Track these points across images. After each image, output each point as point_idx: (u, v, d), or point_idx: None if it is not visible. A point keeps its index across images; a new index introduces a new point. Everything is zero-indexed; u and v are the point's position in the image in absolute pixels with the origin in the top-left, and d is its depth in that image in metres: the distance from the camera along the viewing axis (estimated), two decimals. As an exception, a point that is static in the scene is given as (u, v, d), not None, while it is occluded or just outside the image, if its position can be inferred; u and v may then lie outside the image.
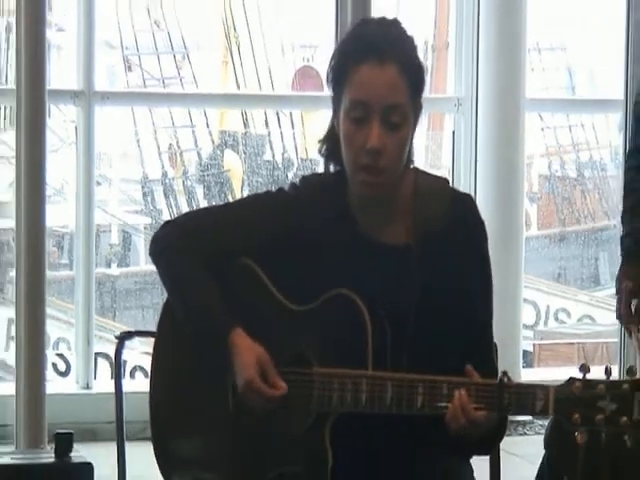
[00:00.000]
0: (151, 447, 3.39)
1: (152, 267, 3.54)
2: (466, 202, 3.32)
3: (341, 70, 3.18)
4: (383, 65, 3.11)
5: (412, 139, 3.21)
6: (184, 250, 3.27)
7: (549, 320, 9.69)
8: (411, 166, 3.27)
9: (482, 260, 3.29)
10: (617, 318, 4.08)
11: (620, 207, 4.16)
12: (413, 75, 3.14)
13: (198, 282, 3.24)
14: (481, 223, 3.28)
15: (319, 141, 3.26)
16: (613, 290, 4.10)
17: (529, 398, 2.99)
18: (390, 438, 3.12)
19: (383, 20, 3.28)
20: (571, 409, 2.93)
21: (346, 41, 3.27)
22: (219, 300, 3.20)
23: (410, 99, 3.14)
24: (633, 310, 4.00)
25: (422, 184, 3.29)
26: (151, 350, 3.43)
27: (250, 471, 3.25)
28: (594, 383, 2.93)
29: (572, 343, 9.23)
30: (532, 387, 3.00)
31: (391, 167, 3.15)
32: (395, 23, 3.24)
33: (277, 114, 9.60)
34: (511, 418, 3.23)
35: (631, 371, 2.95)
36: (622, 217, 4.11)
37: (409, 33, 3.22)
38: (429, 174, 3.36)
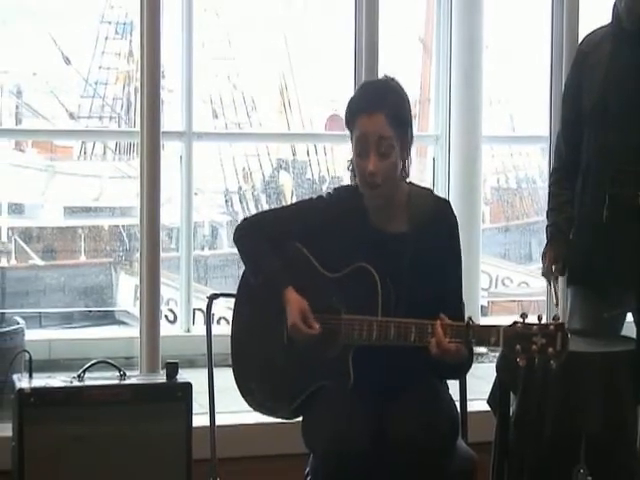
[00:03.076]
0: (230, 371, 3.39)
1: (232, 250, 3.57)
2: (445, 204, 3.39)
3: (349, 120, 3.24)
4: (372, 115, 3.14)
5: (404, 163, 3.23)
6: (255, 236, 3.32)
7: (498, 285, 9.67)
8: (407, 180, 3.30)
9: (455, 244, 3.34)
10: (542, 274, 4.09)
11: (545, 208, 4.12)
12: (395, 120, 3.15)
13: (265, 257, 3.29)
14: (455, 219, 3.34)
15: (348, 160, 3.29)
16: (540, 264, 4.09)
17: (486, 334, 3.02)
18: (394, 363, 3.13)
19: (378, 81, 3.40)
20: (515, 342, 2.97)
21: (351, 99, 3.29)
22: (278, 269, 3.26)
23: (395, 135, 3.15)
24: (552, 270, 3.99)
25: (414, 191, 3.33)
26: (232, 306, 3.49)
27: (296, 384, 3.27)
28: (530, 325, 2.98)
29: (514, 300, 9.24)
30: (488, 327, 3.04)
31: (385, 183, 3.18)
32: (386, 82, 3.28)
33: (315, 147, 9.56)
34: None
35: (555, 318, 3.01)
36: (547, 214, 4.11)
37: (398, 89, 3.24)
38: (419, 185, 3.40)
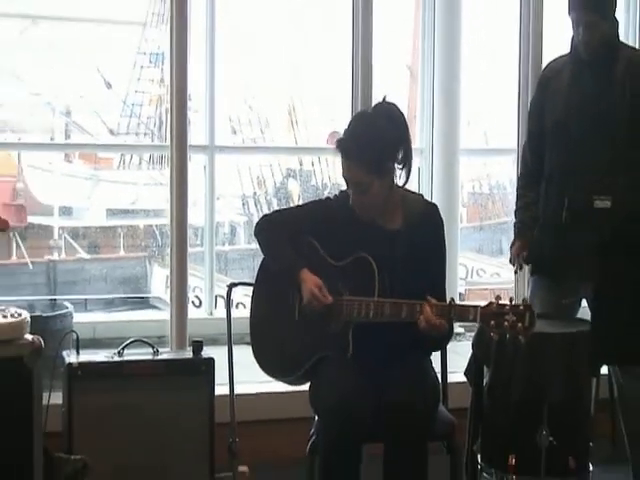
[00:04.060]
0: (248, 348, 3.38)
1: (248, 245, 3.57)
2: (433, 207, 3.39)
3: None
4: (350, 163, 3.16)
5: (389, 184, 3.22)
6: (273, 230, 3.32)
7: (473, 275, 9.64)
8: (401, 185, 3.28)
9: (441, 240, 3.34)
10: (509, 261, 4.08)
11: (513, 209, 4.10)
12: (372, 165, 3.13)
13: (282, 247, 3.28)
14: (441, 220, 3.36)
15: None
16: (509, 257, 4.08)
17: (466, 312, 3.05)
18: (387, 339, 3.13)
19: (367, 121, 3.28)
20: (490, 319, 3.00)
21: (340, 138, 3.24)
22: (294, 256, 3.25)
23: (372, 176, 3.14)
24: (518, 257, 4.00)
25: (408, 195, 3.35)
26: (248, 293, 3.48)
27: (304, 353, 3.26)
28: (503, 305, 2.99)
29: (487, 289, 9.19)
30: (467, 306, 3.06)
31: (370, 203, 3.21)
32: (370, 118, 3.25)
33: (318, 158, 9.54)
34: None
35: (524, 300, 3.04)
36: (514, 213, 4.09)
37: (385, 125, 3.17)
38: (411, 190, 3.42)
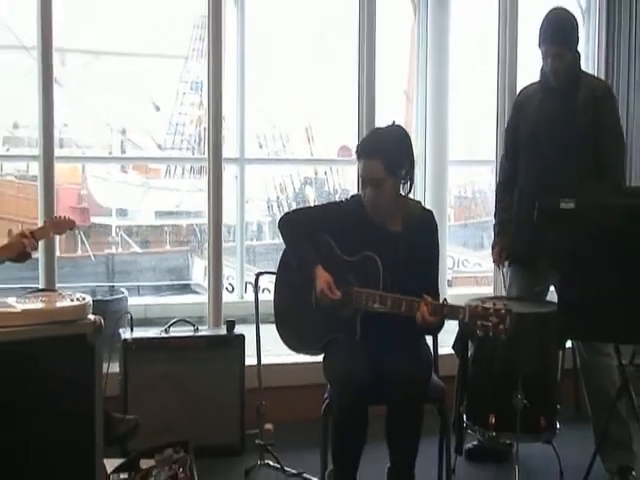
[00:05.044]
0: (272, 326, 3.37)
1: (272, 241, 3.55)
2: (430, 213, 3.31)
3: (357, 156, 3.17)
4: (370, 160, 3.10)
5: (401, 186, 3.18)
6: (293, 226, 3.25)
7: (459, 265, 9.61)
8: (404, 194, 3.23)
9: (435, 242, 3.28)
10: (493, 261, 4.04)
11: (492, 211, 4.07)
12: (389, 165, 3.09)
13: (301, 243, 3.22)
14: (436, 224, 3.30)
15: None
16: (489, 250, 4.05)
17: (456, 312, 2.96)
18: (390, 324, 3.06)
19: (383, 130, 3.23)
20: (476, 319, 2.91)
21: (360, 142, 3.24)
22: (312, 252, 3.19)
23: (387, 175, 3.10)
24: (500, 258, 3.94)
25: (408, 203, 3.28)
26: (273, 280, 3.43)
27: (318, 334, 3.22)
28: (487, 307, 2.91)
29: (470, 276, 9.17)
30: (457, 306, 2.97)
31: (380, 204, 3.15)
32: (389, 131, 3.20)
33: (330, 168, 9.56)
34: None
35: (506, 305, 2.94)
36: (494, 214, 4.06)
37: (397, 137, 3.16)
38: (412, 198, 3.34)
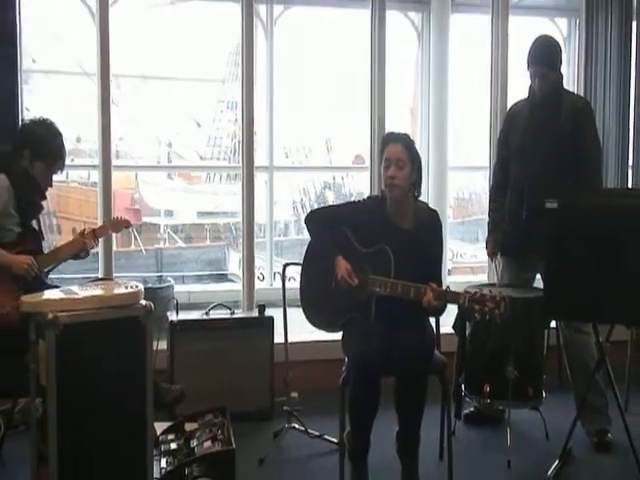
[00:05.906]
0: (298, 310, 3.35)
1: (297, 237, 3.53)
2: (435, 213, 3.27)
3: (382, 145, 3.19)
4: (395, 144, 3.12)
5: (414, 178, 3.16)
6: (317, 223, 3.22)
7: (458, 257, 9.55)
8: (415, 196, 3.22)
9: (440, 239, 3.24)
10: (487, 255, 3.98)
11: (486, 210, 4.04)
12: (409, 149, 3.13)
13: (324, 236, 3.21)
14: (440, 223, 3.27)
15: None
16: (483, 244, 4.01)
17: (458, 298, 2.93)
18: (400, 307, 3.03)
19: (394, 133, 3.23)
20: (475, 304, 2.88)
21: (384, 136, 3.26)
22: (333, 243, 3.18)
23: (408, 158, 3.12)
24: (493, 251, 3.91)
25: (417, 203, 3.25)
26: (299, 271, 3.41)
27: (338, 313, 3.20)
28: (485, 294, 2.89)
29: (467, 266, 9.10)
30: (458, 293, 2.95)
31: (399, 187, 3.13)
32: (405, 134, 3.21)
33: (347, 174, 9.52)
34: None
35: (501, 293, 2.92)
36: (488, 214, 4.02)
37: (410, 138, 3.19)
38: (420, 200, 3.29)
